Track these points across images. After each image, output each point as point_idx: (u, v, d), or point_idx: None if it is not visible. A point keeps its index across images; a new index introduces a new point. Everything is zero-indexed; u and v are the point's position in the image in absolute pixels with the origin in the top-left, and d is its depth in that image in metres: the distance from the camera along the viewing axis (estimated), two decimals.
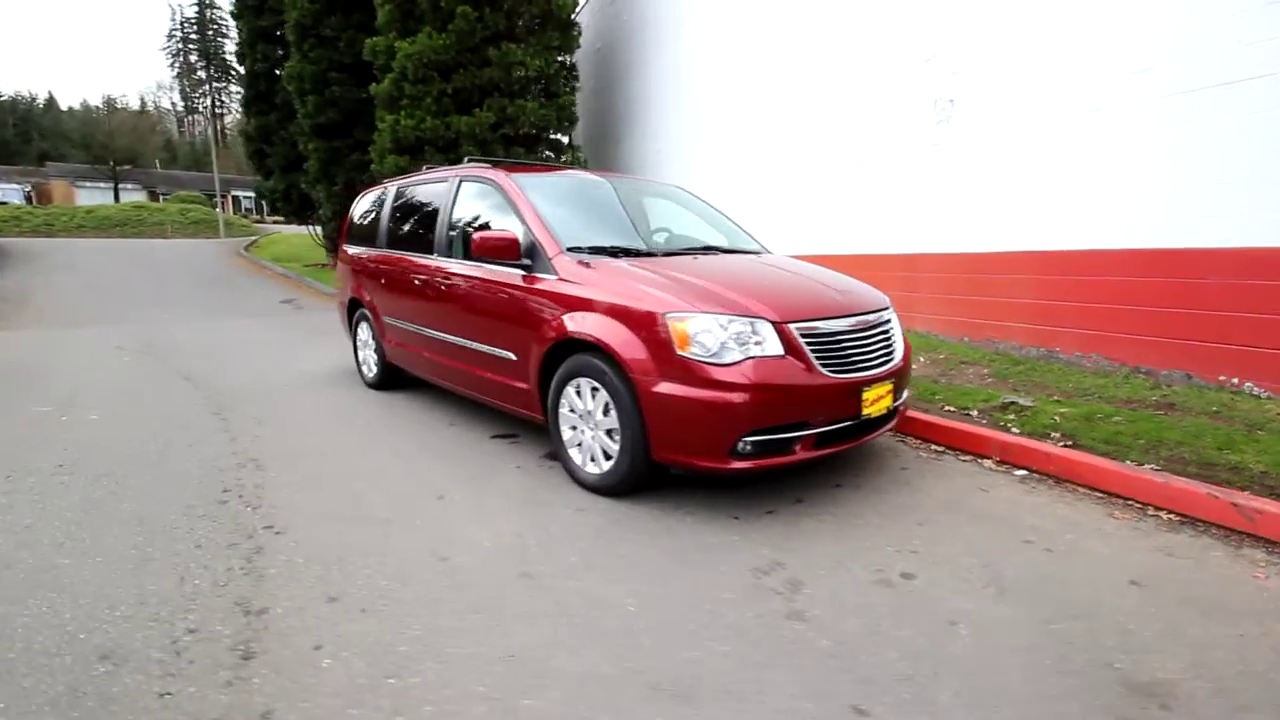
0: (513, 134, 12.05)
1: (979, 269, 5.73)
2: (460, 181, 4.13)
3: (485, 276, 3.68)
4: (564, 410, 3.26)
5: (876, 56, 6.58)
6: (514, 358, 3.52)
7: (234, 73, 38.26)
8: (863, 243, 6.79)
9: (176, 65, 38.29)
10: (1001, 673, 1.85)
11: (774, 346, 2.73)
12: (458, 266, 3.94)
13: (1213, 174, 4.17)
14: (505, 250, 3.37)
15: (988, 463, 3.51)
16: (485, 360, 3.75)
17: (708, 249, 3.77)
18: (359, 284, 5.23)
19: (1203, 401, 4.03)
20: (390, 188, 5.04)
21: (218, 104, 38.12)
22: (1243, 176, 4.03)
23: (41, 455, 3.70)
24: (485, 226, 3.82)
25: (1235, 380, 4.11)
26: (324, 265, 17.15)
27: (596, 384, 3.02)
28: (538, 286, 3.32)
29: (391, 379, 5.17)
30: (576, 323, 3.05)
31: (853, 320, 3.00)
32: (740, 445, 2.68)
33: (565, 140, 12.46)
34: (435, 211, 4.32)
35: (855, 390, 2.87)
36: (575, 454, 3.23)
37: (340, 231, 6.04)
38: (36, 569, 2.45)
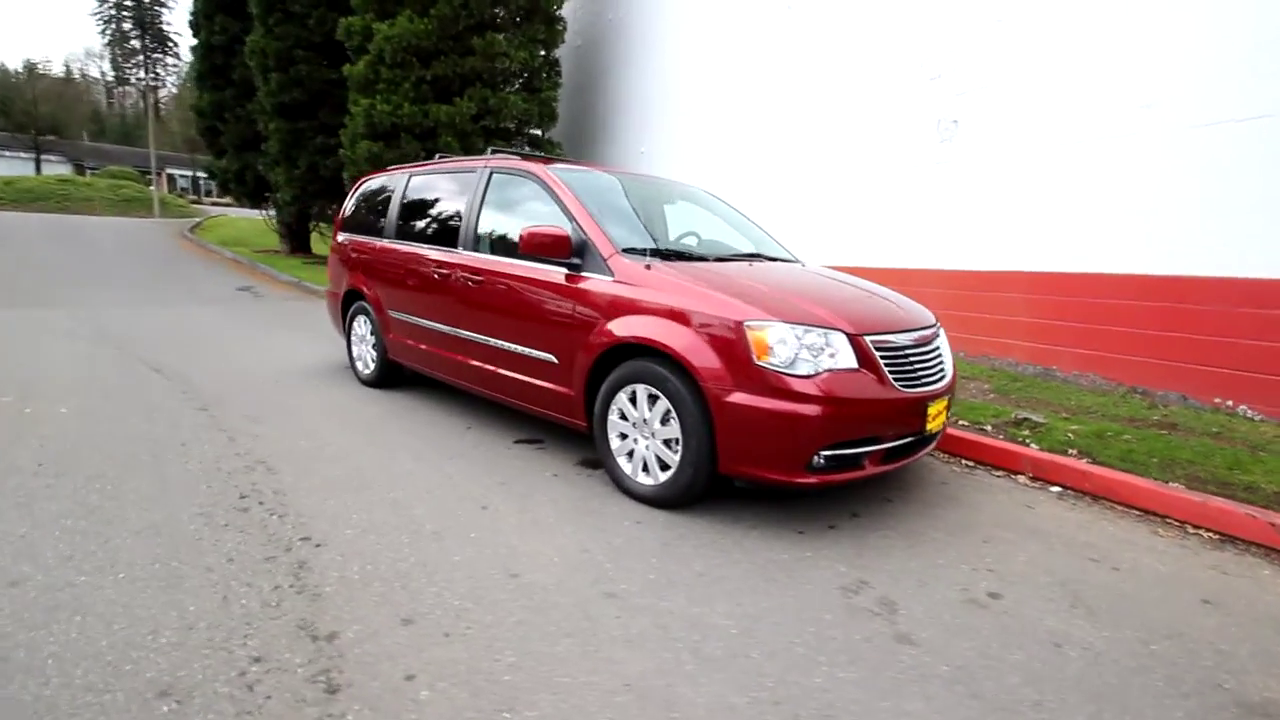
0: (493, 126, 11.78)
1: (977, 287, 5.89)
2: (490, 173, 3.93)
3: (524, 274, 3.51)
4: (612, 418, 3.12)
5: (881, 72, 6.69)
6: (554, 360, 3.36)
7: (171, 44, 36.01)
8: (860, 256, 6.88)
9: (108, 33, 35.68)
10: (1124, 696, 1.85)
11: (849, 359, 2.68)
12: (489, 262, 3.75)
13: (1213, 206, 4.39)
14: (555, 248, 3.22)
15: (1021, 479, 3.58)
16: (517, 362, 3.58)
17: (753, 256, 3.71)
18: (359, 276, 4.93)
19: (1202, 422, 4.23)
20: (401, 176, 4.77)
21: (153, 76, 35.72)
22: (1242, 210, 4.26)
23: (15, 453, 3.31)
24: (522, 221, 3.64)
25: (1230, 403, 4.34)
26: (277, 252, 16.31)
27: (656, 391, 2.90)
28: (589, 287, 3.18)
29: (390, 376, 4.90)
30: (637, 327, 2.93)
31: (915, 335, 2.99)
32: (815, 459, 2.62)
33: (544, 135, 12.25)
34: (459, 203, 4.11)
35: (922, 405, 2.85)
36: (624, 463, 3.11)
37: (333, 219, 5.68)
38: (49, 586, 2.16)
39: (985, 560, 2.62)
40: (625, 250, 3.17)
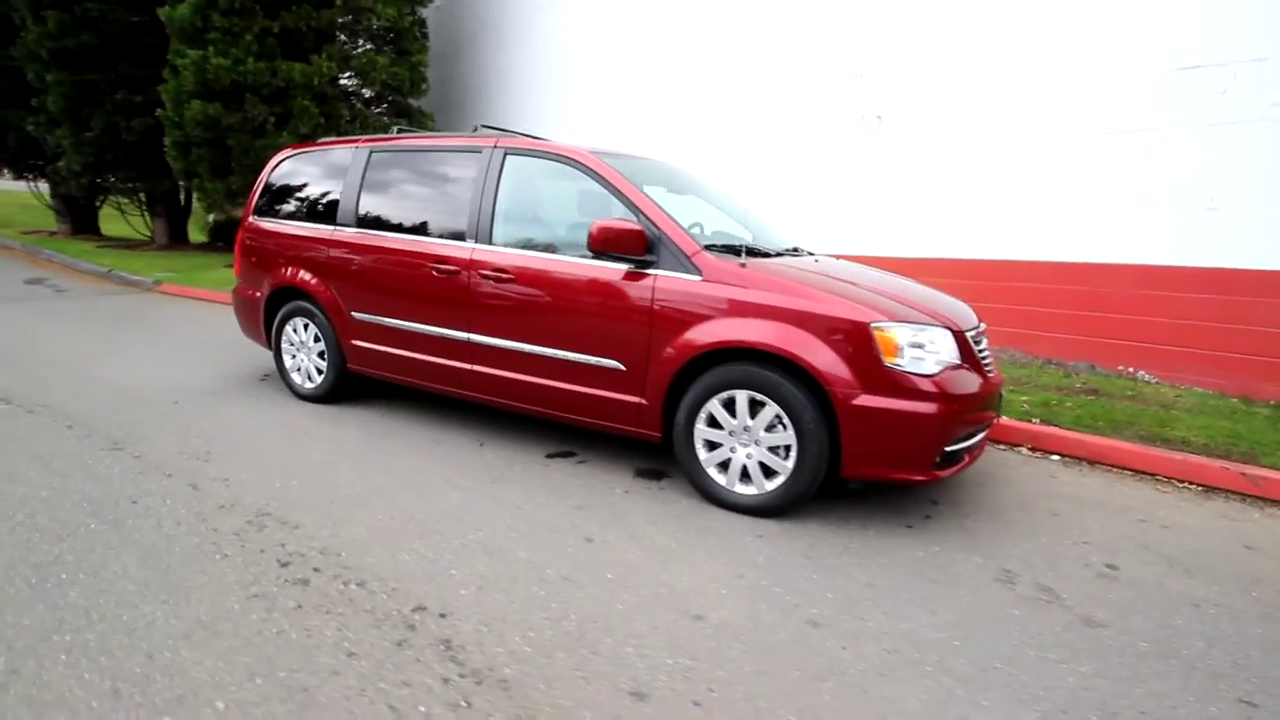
0: (358, 91, 10.44)
1: (903, 273, 6.39)
2: (505, 155, 3.43)
3: (580, 273, 3.13)
4: (700, 426, 2.93)
5: (804, 66, 6.92)
6: (620, 367, 3.05)
7: None
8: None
9: None
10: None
11: (955, 355, 2.75)
12: (521, 258, 3.28)
13: (1120, 202, 5.15)
14: (630, 244, 2.90)
15: (1023, 450, 3.97)
16: (565, 370, 3.20)
17: (795, 250, 3.65)
18: (297, 271, 4.10)
19: (1116, 387, 5.00)
20: (352, 151, 4.00)
21: None
22: (1144, 204, 5.05)
23: None
24: (554, 212, 3.25)
25: (1131, 369, 5.18)
26: (54, 233, 13.16)
27: (761, 396, 2.76)
28: (672, 287, 2.91)
29: (344, 389, 4.18)
30: (746, 330, 2.74)
31: (980, 327, 3.15)
32: (940, 456, 2.68)
33: (415, 104, 11.11)
34: (458, 188, 3.55)
35: (999, 395, 3.03)
36: (715, 474, 2.93)
37: (246, 200, 4.64)
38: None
39: (1071, 533, 2.86)
40: (706, 247, 2.96)
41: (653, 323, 2.95)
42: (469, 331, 3.46)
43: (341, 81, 10.18)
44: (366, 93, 10.78)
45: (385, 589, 2.19)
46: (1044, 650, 2.03)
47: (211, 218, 12.67)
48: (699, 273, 2.88)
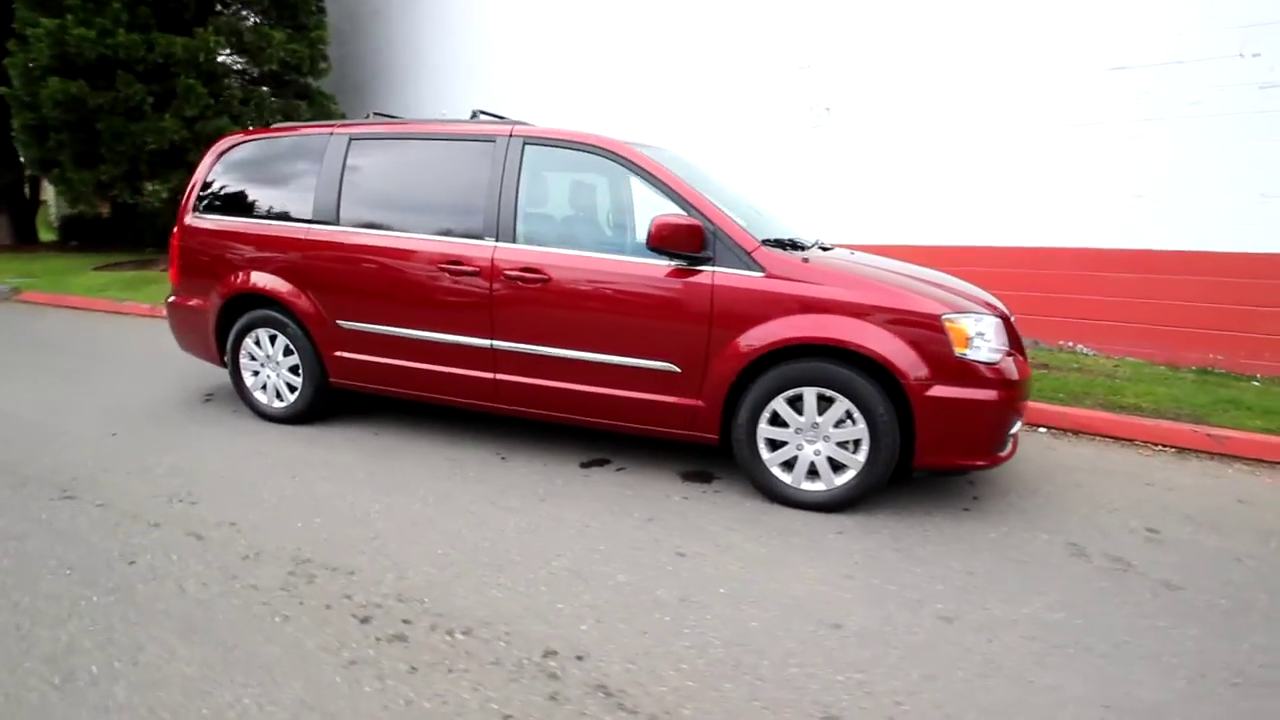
0: (247, 68, 9.37)
1: None
2: (523, 145, 3.15)
3: (627, 271, 2.96)
4: (762, 425, 2.86)
5: (749, 57, 6.97)
6: (675, 370, 2.91)
7: None
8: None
9: None
10: None
11: (1006, 343, 2.85)
12: (556, 258, 3.03)
13: (1056, 189, 5.61)
14: (688, 240, 2.75)
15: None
16: (610, 374, 3.01)
17: (821, 244, 3.63)
18: (262, 276, 3.58)
19: (1060, 360, 5.47)
20: (325, 138, 3.53)
21: None
22: (1080, 192, 5.52)
23: None
24: (583, 205, 3.03)
25: (1071, 343, 5.68)
26: None
27: (831, 392, 2.73)
28: (732, 284, 2.79)
29: (322, 406, 3.73)
30: (815, 327, 2.69)
31: (1011, 315, 3.30)
32: (1002, 441, 2.77)
33: (315, 85, 10.15)
34: (468, 181, 3.23)
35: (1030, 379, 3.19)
36: (780, 473, 2.87)
37: (182, 197, 3.97)
38: None
39: (1101, 502, 3.07)
40: (764, 242, 2.87)
41: (713, 322, 2.83)
42: (491, 338, 3.17)
43: (223, 59, 9.07)
44: (255, 72, 9.69)
45: (497, 634, 1.95)
46: (1151, 619, 2.15)
47: (54, 214, 10.93)
48: (761, 269, 2.80)
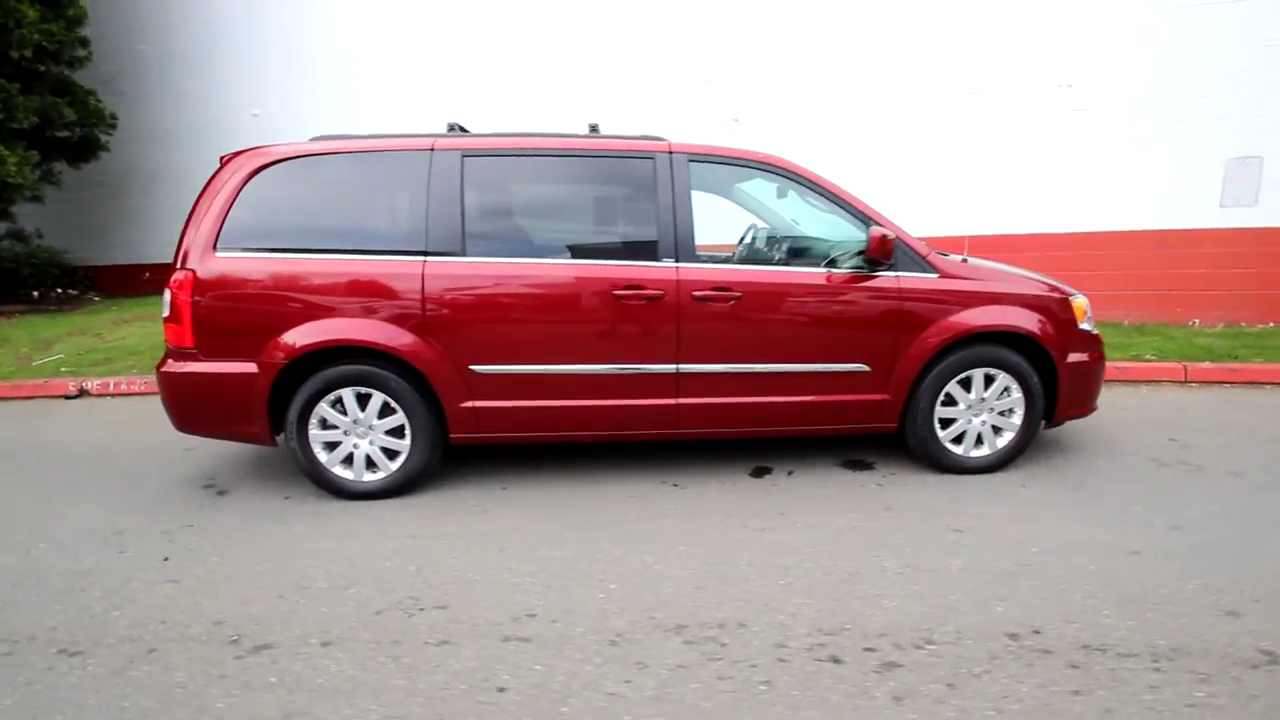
0: None
1: None
2: (688, 161, 3.04)
3: (820, 283, 3.11)
4: (937, 408, 3.24)
5: (653, 73, 7.24)
6: (866, 369, 3.14)
7: None
8: None
9: None
10: None
11: None
12: (748, 274, 3.06)
13: (936, 187, 6.87)
14: (889, 250, 2.99)
15: None
16: (803, 382, 3.13)
17: None
18: (357, 324, 2.92)
19: None
20: (437, 154, 2.95)
21: None
22: (950, 190, 6.84)
23: None
24: (738, 219, 3.07)
25: None
26: None
27: (994, 370, 3.21)
28: (915, 286, 3.12)
29: (433, 471, 3.19)
30: (989, 316, 3.14)
31: None
32: (1098, 392, 3.52)
33: (71, 74, 7.91)
34: (626, 200, 3.05)
35: None
36: (953, 446, 3.29)
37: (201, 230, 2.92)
38: None
39: (1133, 424, 4.03)
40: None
41: (901, 322, 3.12)
42: (677, 362, 3.05)
43: None
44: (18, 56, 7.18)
45: (955, 635, 2.05)
46: (1244, 506, 2.98)
47: None
48: (935, 271, 3.16)
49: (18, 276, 8.73)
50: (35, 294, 8.79)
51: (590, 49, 7.38)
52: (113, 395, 5.24)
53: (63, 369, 5.66)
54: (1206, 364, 5.20)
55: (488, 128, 3.77)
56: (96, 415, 4.79)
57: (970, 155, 6.80)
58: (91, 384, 5.24)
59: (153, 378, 5.29)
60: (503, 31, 7.67)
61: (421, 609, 2.25)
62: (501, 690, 1.85)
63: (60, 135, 8.05)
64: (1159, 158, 6.46)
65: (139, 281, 9.38)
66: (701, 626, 2.12)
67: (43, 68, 7.26)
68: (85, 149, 8.36)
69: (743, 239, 3.95)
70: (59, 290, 9.13)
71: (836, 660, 1.95)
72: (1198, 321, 6.43)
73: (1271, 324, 6.31)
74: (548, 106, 7.44)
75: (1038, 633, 2.07)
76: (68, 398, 5.17)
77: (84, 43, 7.76)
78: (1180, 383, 5.09)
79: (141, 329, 6.93)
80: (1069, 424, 3.84)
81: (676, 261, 3.03)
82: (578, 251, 3.09)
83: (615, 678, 1.89)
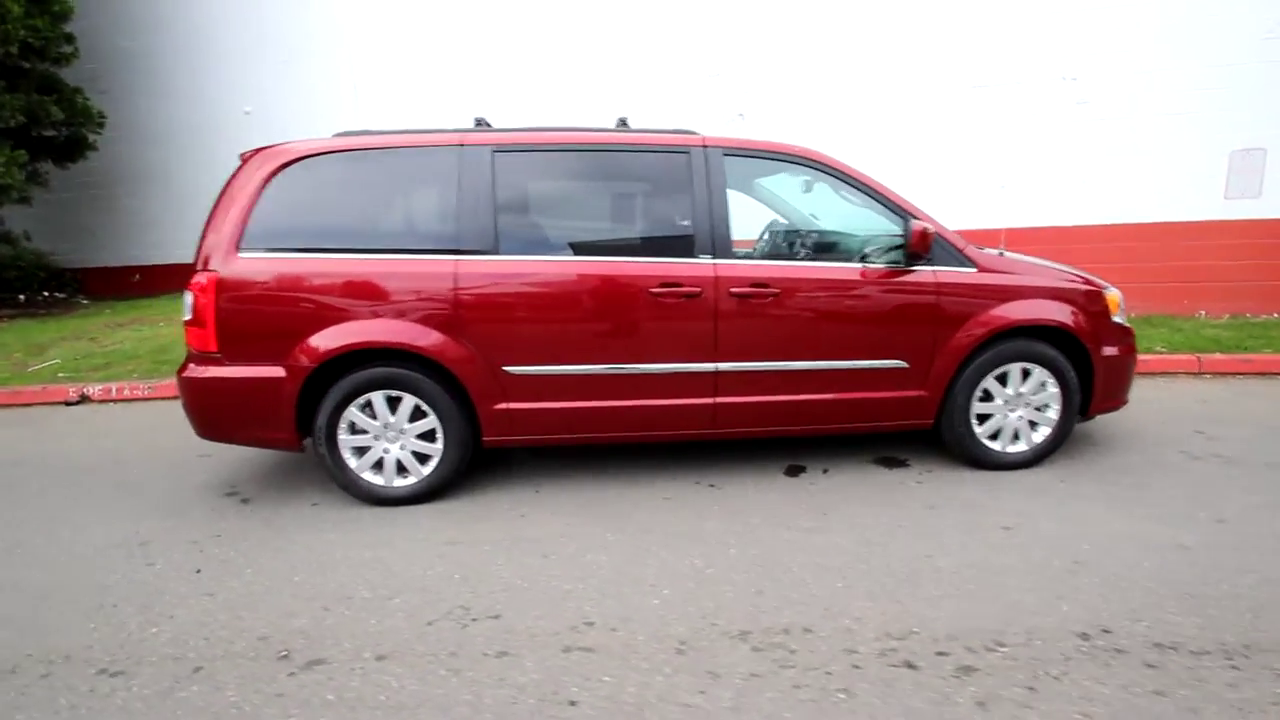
0: None
1: None
2: (723, 155, 2.98)
3: (859, 279, 3.06)
4: (974, 403, 3.21)
5: (661, 67, 7.16)
6: (904, 365, 3.10)
7: None
8: None
9: None
10: None
11: None
12: (787, 270, 2.99)
13: (936, 181, 6.87)
14: (929, 244, 2.95)
15: None
16: (841, 379, 3.08)
17: None
18: (388, 325, 2.83)
19: None
20: (467, 149, 2.87)
21: None
22: (958, 186, 6.84)
23: None
24: (769, 214, 3.02)
25: None
26: None
27: (1030, 365, 3.18)
28: (953, 280, 3.07)
29: (461, 475, 3.12)
30: (1025, 311, 3.11)
31: None
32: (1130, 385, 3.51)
33: (57, 72, 7.70)
34: (660, 196, 2.99)
35: None
36: (989, 442, 3.26)
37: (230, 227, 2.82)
38: None
39: (1165, 419, 4.03)
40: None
41: (939, 317, 3.09)
42: (715, 360, 2.99)
43: None
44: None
45: (1026, 637, 2.01)
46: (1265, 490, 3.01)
47: None
48: (973, 265, 3.13)
49: (4, 280, 8.49)
50: (22, 298, 8.56)
51: (595, 43, 7.29)
52: (115, 401, 5.10)
53: (60, 374, 5.49)
54: (1218, 355, 5.22)
55: (495, 124, 3.70)
56: (100, 422, 4.65)
57: (974, 149, 6.80)
58: (93, 390, 5.09)
59: (155, 383, 5.23)
60: (503, 26, 7.56)
61: (474, 619, 2.18)
62: (573, 704, 1.79)
63: (47, 134, 7.83)
64: (1163, 150, 6.49)
65: (128, 284, 9.17)
66: (766, 632, 2.07)
67: (28, 65, 7.04)
68: (73, 148, 8.13)
69: (763, 235, 3.90)
70: (46, 293, 8.90)
71: (911, 665, 1.91)
72: (1204, 313, 6.48)
73: (1276, 314, 6.37)
74: (550, 102, 7.34)
75: (1108, 632, 2.04)
76: (68, 404, 5.02)
77: (70, 39, 7.53)
78: (1194, 374, 5.12)
79: (137, 333, 6.76)
80: (1097, 418, 3.84)
81: (714, 258, 2.98)
82: (612, 249, 3.02)
83: (689, 688, 1.84)
